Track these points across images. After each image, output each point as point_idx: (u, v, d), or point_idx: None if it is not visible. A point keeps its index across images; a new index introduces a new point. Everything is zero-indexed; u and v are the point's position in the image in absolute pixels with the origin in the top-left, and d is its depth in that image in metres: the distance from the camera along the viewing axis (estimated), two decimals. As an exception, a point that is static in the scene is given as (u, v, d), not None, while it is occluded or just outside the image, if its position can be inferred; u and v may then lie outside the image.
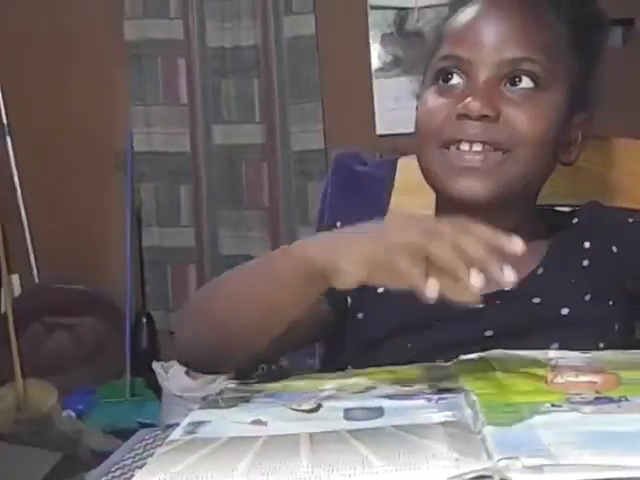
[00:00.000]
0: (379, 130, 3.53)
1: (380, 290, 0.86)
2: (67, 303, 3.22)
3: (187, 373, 2.87)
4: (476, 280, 0.52)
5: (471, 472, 0.42)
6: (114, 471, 0.51)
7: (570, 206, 1.07)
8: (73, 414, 3.00)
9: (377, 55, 3.55)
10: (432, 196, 0.92)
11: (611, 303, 0.87)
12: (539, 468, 0.42)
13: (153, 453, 0.54)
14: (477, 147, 0.81)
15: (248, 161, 3.62)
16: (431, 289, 0.47)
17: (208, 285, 0.80)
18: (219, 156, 3.61)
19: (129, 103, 3.56)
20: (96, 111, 3.50)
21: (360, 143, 3.35)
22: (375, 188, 1.09)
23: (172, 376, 2.86)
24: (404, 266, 0.51)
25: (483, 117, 0.79)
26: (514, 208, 0.86)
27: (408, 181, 1.07)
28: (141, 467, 0.51)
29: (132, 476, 0.49)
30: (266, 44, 3.63)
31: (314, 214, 3.61)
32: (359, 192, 1.10)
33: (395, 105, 3.60)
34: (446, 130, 0.82)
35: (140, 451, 0.56)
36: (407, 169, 1.08)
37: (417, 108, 0.92)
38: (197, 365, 0.84)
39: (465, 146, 0.81)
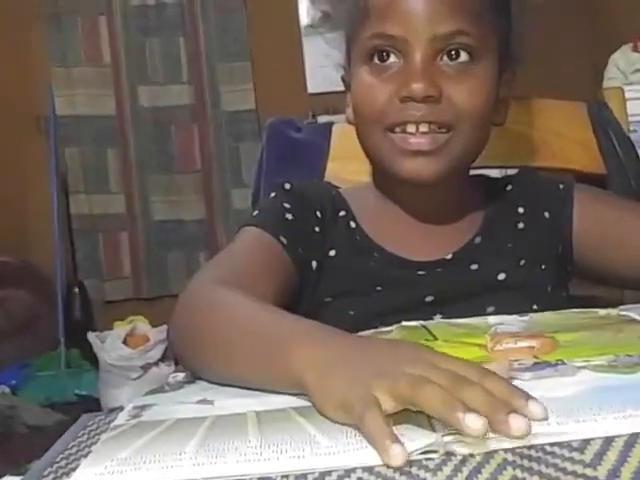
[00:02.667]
0: (310, 89, 3.52)
1: (332, 253, 0.88)
2: (-7, 276, 3.14)
3: (124, 342, 2.85)
4: (475, 423, 0.43)
5: (417, 450, 0.43)
6: (59, 461, 0.50)
7: (499, 167, 1.09)
8: (7, 389, 2.95)
9: (305, 11, 3.53)
10: (367, 163, 0.92)
11: (543, 267, 0.90)
12: (482, 439, 0.43)
13: (98, 440, 0.53)
14: (423, 128, 0.81)
15: (177, 123, 3.57)
16: (396, 456, 0.42)
17: (208, 311, 0.69)
18: (146, 119, 3.55)
19: (49, 65, 3.45)
20: (14, 74, 3.39)
21: (291, 102, 3.33)
22: (311, 155, 1.09)
23: (108, 346, 2.83)
24: (373, 424, 0.45)
25: (427, 98, 0.79)
26: (453, 181, 0.87)
27: (343, 147, 1.07)
28: (87, 455, 0.50)
29: (78, 465, 0.48)
30: (191, 1, 3.55)
31: (247, 176, 3.62)
32: (295, 159, 1.10)
33: (325, 63, 3.58)
34: (390, 113, 0.82)
35: (84, 438, 0.54)
36: (342, 135, 1.08)
37: (346, 84, 0.92)
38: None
39: (411, 128, 0.81)
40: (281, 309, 0.65)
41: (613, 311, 0.75)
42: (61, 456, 0.51)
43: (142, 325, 2.97)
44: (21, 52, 3.42)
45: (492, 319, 0.74)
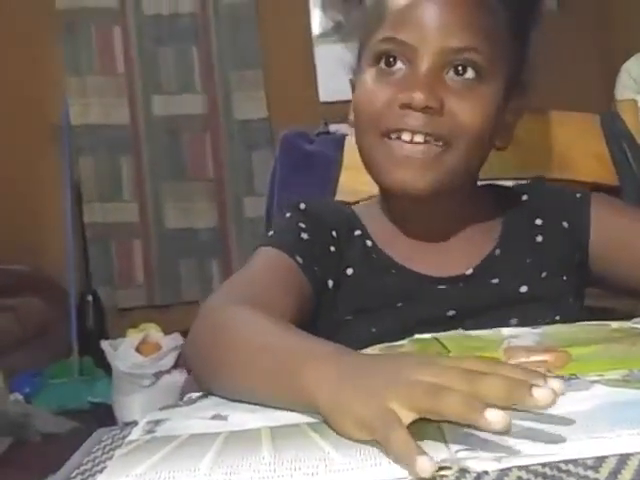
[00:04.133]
0: (322, 97, 3.52)
1: (349, 272, 0.88)
2: (6, 284, 3.15)
3: (137, 349, 2.85)
4: (497, 416, 0.42)
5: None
6: (74, 477, 0.50)
7: (512, 179, 1.09)
8: (20, 397, 2.96)
9: (318, 21, 3.53)
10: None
11: (565, 278, 0.90)
12: (497, 457, 0.43)
13: (112, 455, 0.53)
14: (418, 138, 0.80)
15: (190, 132, 3.58)
16: (425, 469, 0.41)
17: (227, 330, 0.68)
18: (160, 127, 3.56)
19: (64, 74, 3.47)
20: (30, 83, 3.41)
21: (303, 110, 3.34)
22: (324, 166, 1.09)
23: (121, 353, 2.83)
24: (398, 442, 0.44)
25: (427, 108, 0.78)
26: (456, 193, 0.86)
27: (356, 159, 1.06)
28: (101, 471, 0.50)
29: (93, 480, 0.48)
30: (204, 11, 3.57)
31: (260, 184, 3.63)
32: (308, 172, 1.10)
33: (337, 71, 3.58)
34: (387, 118, 0.81)
35: (99, 454, 0.54)
36: (354, 147, 1.08)
37: (352, 86, 0.91)
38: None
39: (406, 136, 0.80)
40: (296, 328, 0.65)
41: (626, 324, 0.74)
42: (77, 471, 0.51)
43: (154, 333, 2.97)
44: (37, 62, 3.44)
45: (505, 331, 0.74)
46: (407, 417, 0.46)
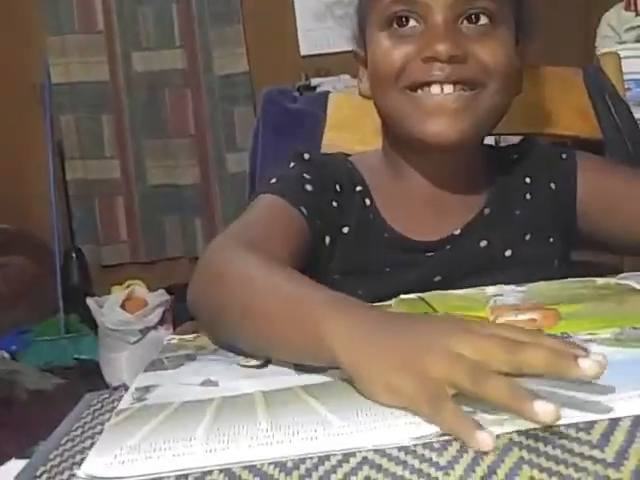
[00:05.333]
0: (303, 51, 3.48)
1: (345, 230, 0.87)
2: (-9, 243, 3.13)
3: (122, 306, 2.85)
4: (546, 408, 0.40)
5: (433, 433, 0.43)
6: (64, 444, 0.50)
7: (496, 134, 1.08)
8: (7, 355, 2.96)
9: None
10: (364, 132, 0.92)
11: (551, 240, 0.90)
12: (499, 420, 0.43)
13: (103, 421, 0.53)
14: (448, 88, 0.79)
15: (170, 88, 3.54)
16: (484, 442, 0.40)
17: (232, 273, 0.65)
18: (140, 84, 3.52)
19: (44, 33, 3.43)
20: (10, 43, 3.38)
21: (284, 64, 3.30)
22: (307, 125, 1.08)
23: (107, 310, 2.83)
24: (452, 418, 0.42)
25: (452, 58, 0.78)
26: (468, 147, 0.85)
27: (340, 116, 1.06)
28: (92, 437, 0.50)
29: (84, 448, 0.48)
30: (182, -36, 3.49)
31: (241, 140, 3.60)
32: (291, 130, 1.09)
33: (317, 25, 3.54)
34: (412, 72, 0.80)
35: (89, 419, 0.54)
36: (338, 104, 1.08)
37: (356, 56, 0.91)
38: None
39: (436, 89, 0.80)
40: (305, 277, 0.62)
41: (612, 280, 0.75)
42: (66, 438, 0.51)
43: (139, 289, 2.97)
44: (16, 22, 3.40)
45: (490, 290, 0.74)
46: (449, 392, 0.44)
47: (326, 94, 1.12)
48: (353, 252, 0.87)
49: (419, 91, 0.81)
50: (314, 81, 3.18)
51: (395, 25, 0.82)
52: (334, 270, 0.87)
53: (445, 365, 0.45)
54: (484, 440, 0.40)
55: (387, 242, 0.88)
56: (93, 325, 2.95)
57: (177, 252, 3.60)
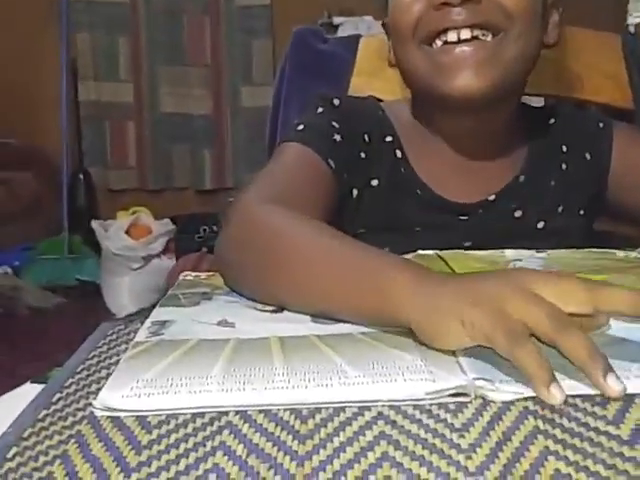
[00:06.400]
0: (327, -13, 3.41)
1: (374, 183, 0.85)
2: (0, 158, 3.12)
3: (127, 232, 2.86)
4: (615, 383, 0.41)
5: (449, 389, 0.42)
6: (79, 372, 0.50)
7: (530, 95, 1.06)
8: (9, 270, 2.98)
9: None
10: (394, 82, 0.90)
11: (581, 213, 0.89)
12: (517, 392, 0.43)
13: (118, 352, 0.53)
14: (465, 34, 0.76)
15: (189, 14, 3.48)
16: (555, 397, 0.40)
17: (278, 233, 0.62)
18: (159, 7, 3.46)
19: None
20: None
21: (306, 0, 3.24)
22: (336, 68, 1.06)
23: (112, 235, 2.84)
24: (530, 360, 0.41)
25: (466, 1, 0.75)
26: (503, 104, 0.83)
27: (370, 63, 1.04)
28: (107, 367, 0.50)
29: (99, 378, 0.49)
30: None
31: (258, 74, 3.56)
32: (319, 72, 1.07)
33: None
34: (427, 22, 0.77)
35: (105, 349, 0.54)
36: (369, 50, 1.06)
37: (386, 30, 0.88)
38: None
39: (452, 35, 0.76)
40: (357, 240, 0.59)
41: (631, 254, 0.74)
42: (82, 366, 0.51)
43: (145, 217, 2.98)
44: None
45: (509, 253, 0.74)
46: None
47: (357, 38, 1.10)
48: (382, 207, 0.86)
49: (437, 43, 0.77)
50: (336, 20, 3.12)
51: None
52: (359, 224, 0.86)
53: (524, 306, 0.44)
54: (555, 394, 0.40)
55: (419, 199, 0.86)
56: (96, 248, 2.96)
57: (184, 182, 3.59)
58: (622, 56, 1.08)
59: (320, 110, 0.86)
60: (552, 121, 0.92)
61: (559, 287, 0.45)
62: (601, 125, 0.91)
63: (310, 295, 0.56)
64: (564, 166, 0.90)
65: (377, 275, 0.51)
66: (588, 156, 0.90)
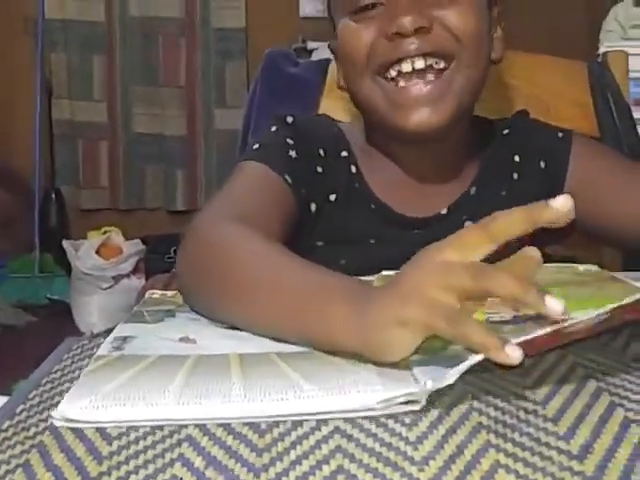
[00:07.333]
0: (302, 12, 3.45)
1: (332, 197, 0.86)
2: (-29, 175, 3.10)
3: (97, 252, 2.85)
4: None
5: (399, 396, 0.43)
6: (44, 384, 0.51)
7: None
8: (-21, 288, 2.96)
9: None
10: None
11: None
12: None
13: (81, 366, 0.54)
14: (420, 64, 0.77)
15: (165, 36, 3.50)
16: (513, 355, 0.41)
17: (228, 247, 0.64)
18: (135, 28, 3.47)
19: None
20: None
21: (282, 24, 3.27)
22: (305, 92, 1.07)
23: (82, 254, 2.83)
24: (477, 334, 0.43)
25: (418, 30, 0.76)
26: (456, 128, 0.83)
27: (338, 86, 1.05)
28: (70, 381, 0.51)
29: (62, 391, 0.49)
30: None
31: (231, 96, 3.57)
32: (288, 95, 1.08)
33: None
34: (381, 52, 0.78)
35: (68, 363, 0.55)
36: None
37: (331, 51, 0.89)
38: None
39: (407, 66, 0.77)
40: (298, 256, 0.61)
41: (593, 267, 0.75)
42: (46, 379, 0.52)
43: (116, 236, 2.97)
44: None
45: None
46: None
47: (327, 62, 1.11)
48: (338, 220, 0.86)
49: (391, 73, 0.78)
50: (310, 45, 3.15)
51: (358, 9, 0.80)
52: (317, 237, 0.86)
53: (443, 279, 0.46)
54: (513, 353, 0.41)
55: (373, 214, 0.87)
56: (67, 267, 2.94)
57: (156, 203, 3.58)
58: (589, 84, 1.09)
59: (274, 129, 0.86)
60: (506, 132, 0.92)
61: (461, 241, 0.48)
62: (560, 135, 0.91)
63: (261, 323, 0.57)
64: (515, 175, 0.90)
65: (318, 301, 0.53)
66: (543, 164, 0.90)
